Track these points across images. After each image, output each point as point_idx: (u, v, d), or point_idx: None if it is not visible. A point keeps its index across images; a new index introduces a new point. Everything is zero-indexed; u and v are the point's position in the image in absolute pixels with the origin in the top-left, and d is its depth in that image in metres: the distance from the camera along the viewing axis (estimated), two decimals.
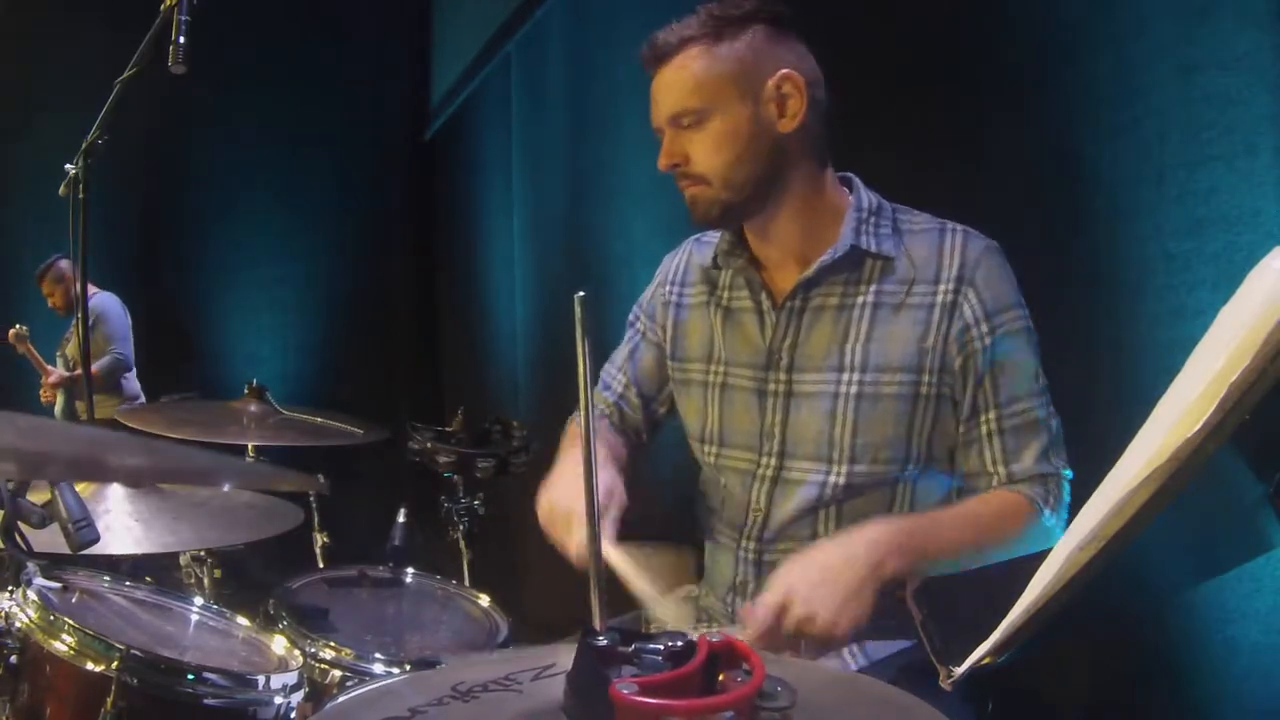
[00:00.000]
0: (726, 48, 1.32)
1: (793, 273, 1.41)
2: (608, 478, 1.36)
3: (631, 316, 1.64)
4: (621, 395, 1.61)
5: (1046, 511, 1.32)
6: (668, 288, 1.57)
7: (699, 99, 1.32)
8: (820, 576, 1.18)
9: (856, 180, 1.43)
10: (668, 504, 1.82)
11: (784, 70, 1.32)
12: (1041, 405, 1.34)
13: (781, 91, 1.32)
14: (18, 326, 4.35)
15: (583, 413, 0.93)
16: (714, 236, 1.50)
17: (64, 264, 4.39)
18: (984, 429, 1.34)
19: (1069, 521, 1.32)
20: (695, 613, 1.53)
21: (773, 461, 1.41)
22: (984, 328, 1.33)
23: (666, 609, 1.27)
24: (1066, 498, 1.35)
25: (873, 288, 1.37)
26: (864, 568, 1.19)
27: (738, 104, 1.32)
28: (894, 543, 1.23)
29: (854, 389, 1.35)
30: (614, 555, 1.23)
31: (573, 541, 1.30)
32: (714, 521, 1.51)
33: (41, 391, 4.51)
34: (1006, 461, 1.34)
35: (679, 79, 1.33)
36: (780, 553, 1.40)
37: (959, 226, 1.38)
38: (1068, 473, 1.35)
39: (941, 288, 1.34)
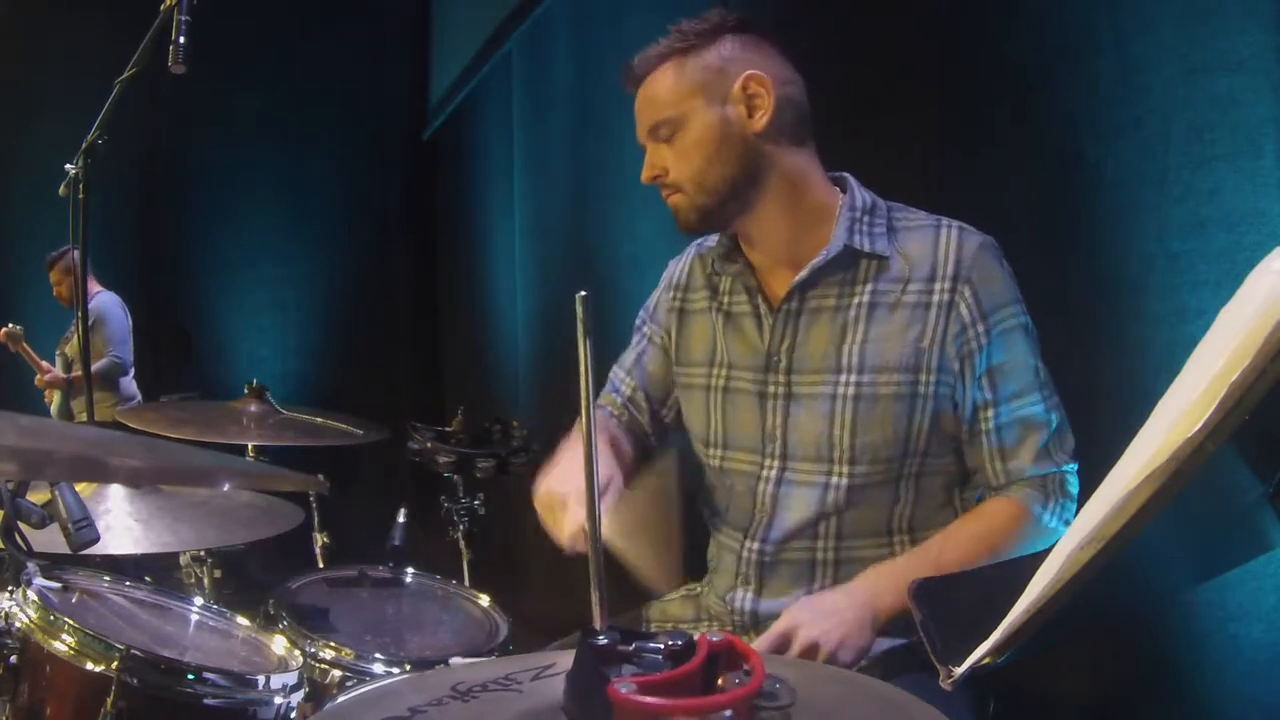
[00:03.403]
0: (695, 59, 1.36)
1: (787, 275, 1.41)
2: (606, 467, 1.37)
3: (638, 321, 1.64)
4: (629, 399, 1.61)
5: (1045, 515, 1.33)
6: (672, 293, 1.57)
7: (670, 109, 1.36)
8: (822, 613, 1.25)
9: (851, 180, 1.43)
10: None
11: (749, 71, 1.35)
12: (1040, 401, 1.34)
13: (748, 92, 1.35)
14: (10, 326, 4.35)
15: (583, 413, 0.93)
16: (715, 241, 1.51)
17: (76, 256, 4.39)
18: (982, 426, 1.35)
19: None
20: (695, 613, 1.54)
21: (776, 464, 1.41)
22: (980, 327, 1.33)
23: (653, 572, 1.29)
24: (1073, 491, 1.35)
25: (868, 287, 1.37)
26: (862, 606, 1.26)
27: (705, 110, 1.35)
28: (889, 580, 1.29)
29: (851, 390, 1.35)
30: (607, 531, 1.23)
31: (564, 526, 1.31)
32: (718, 522, 1.51)
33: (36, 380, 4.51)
34: (1004, 459, 1.35)
35: (653, 94, 1.38)
36: (783, 554, 1.40)
37: (954, 223, 1.38)
38: (1071, 467, 1.35)
39: (938, 286, 1.34)
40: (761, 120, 1.35)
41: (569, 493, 1.32)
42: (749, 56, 1.36)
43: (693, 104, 1.35)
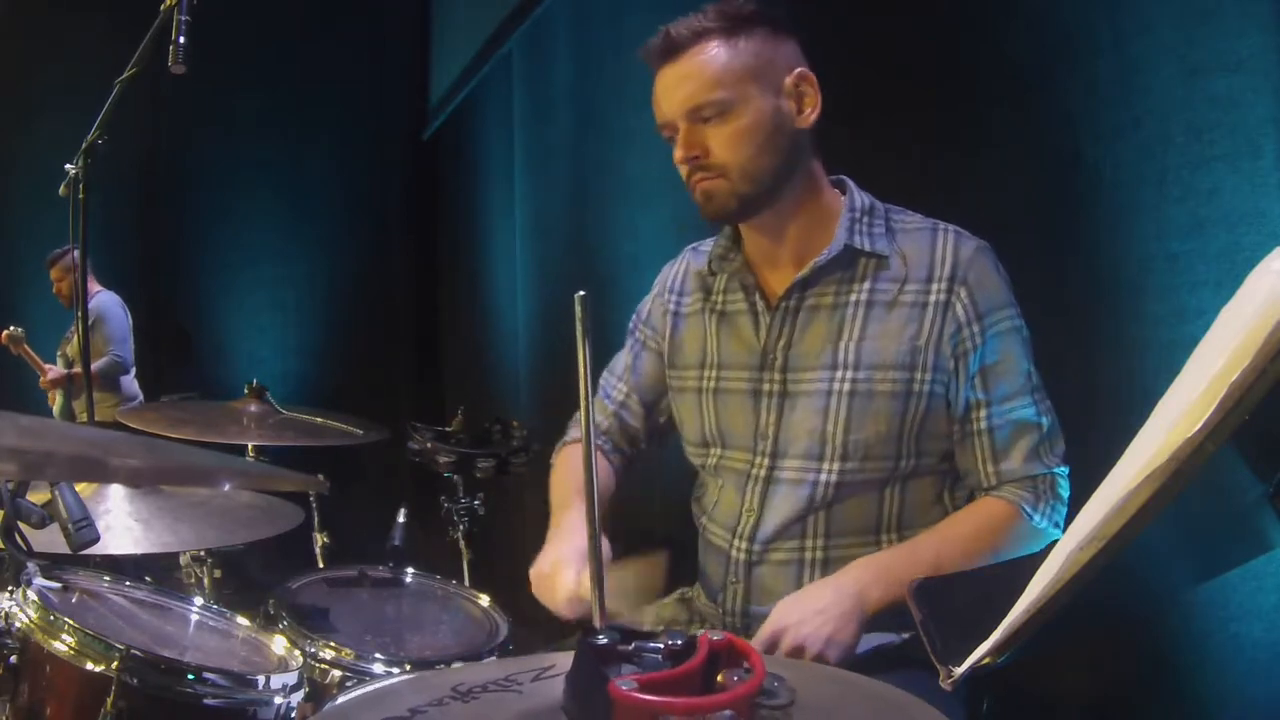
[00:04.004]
0: (743, 43, 1.34)
1: (787, 273, 1.42)
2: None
3: (631, 325, 1.64)
4: (622, 403, 1.61)
5: (1036, 516, 1.33)
6: (666, 296, 1.58)
7: (722, 90, 1.32)
8: (808, 610, 1.24)
9: (849, 181, 1.45)
10: (666, 504, 1.82)
11: (800, 68, 1.36)
12: (1032, 404, 1.35)
13: (799, 89, 1.36)
14: (11, 329, 4.35)
15: (582, 412, 0.93)
16: (710, 244, 1.51)
17: (76, 256, 4.39)
18: (974, 427, 1.36)
19: (1069, 518, 1.33)
20: (688, 615, 1.53)
21: (766, 461, 1.41)
22: (975, 328, 1.34)
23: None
24: (1064, 494, 1.36)
25: (866, 286, 1.37)
26: (849, 599, 1.25)
27: (760, 97, 1.33)
28: (876, 573, 1.28)
29: (847, 386, 1.36)
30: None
31: (559, 588, 1.31)
32: (707, 522, 1.51)
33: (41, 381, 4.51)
34: (995, 460, 1.35)
35: (699, 70, 1.33)
36: (771, 554, 1.40)
37: (951, 226, 1.39)
38: (1062, 470, 1.36)
39: (934, 287, 1.35)
40: (810, 117, 1.36)
41: (559, 567, 1.32)
42: (790, 53, 1.37)
43: (748, 89, 1.33)
